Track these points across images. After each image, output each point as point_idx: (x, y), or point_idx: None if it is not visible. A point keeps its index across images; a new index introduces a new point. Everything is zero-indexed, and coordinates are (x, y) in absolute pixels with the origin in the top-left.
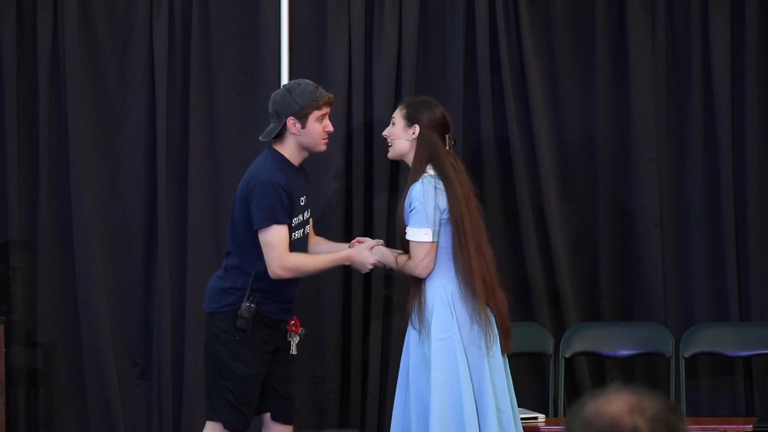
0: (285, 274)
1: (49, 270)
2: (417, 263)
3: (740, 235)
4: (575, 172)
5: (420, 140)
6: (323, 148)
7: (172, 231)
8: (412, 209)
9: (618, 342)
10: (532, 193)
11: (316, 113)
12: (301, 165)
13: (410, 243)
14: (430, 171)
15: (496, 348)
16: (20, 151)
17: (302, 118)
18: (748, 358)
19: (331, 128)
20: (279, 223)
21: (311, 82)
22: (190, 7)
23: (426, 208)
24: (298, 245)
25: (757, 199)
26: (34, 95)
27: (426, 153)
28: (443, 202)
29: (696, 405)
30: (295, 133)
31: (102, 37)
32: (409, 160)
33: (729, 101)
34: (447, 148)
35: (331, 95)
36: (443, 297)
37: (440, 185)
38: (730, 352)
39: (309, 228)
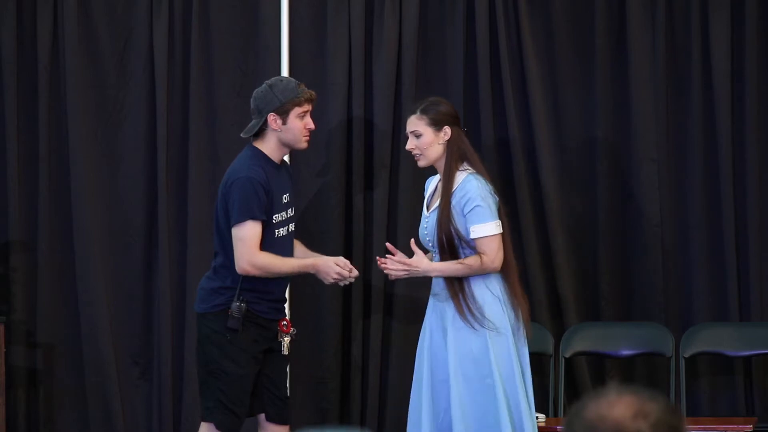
0: (252, 271)
1: (49, 270)
2: (494, 257)
3: (740, 235)
4: (575, 172)
5: (450, 140)
6: (304, 145)
7: (172, 231)
8: (476, 206)
9: (618, 342)
10: (532, 193)
11: (297, 110)
12: (284, 163)
13: (481, 240)
14: (466, 167)
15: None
16: (20, 151)
17: (283, 114)
18: (748, 358)
19: (312, 126)
20: (254, 218)
21: (294, 79)
22: (190, 7)
23: (488, 203)
24: (282, 243)
25: (757, 199)
26: (34, 95)
27: (457, 152)
28: (494, 193)
29: (696, 405)
30: (275, 129)
31: (102, 37)
32: (441, 162)
33: (729, 101)
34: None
35: (314, 93)
36: (494, 292)
37: (484, 179)
38: (730, 352)
39: (293, 226)
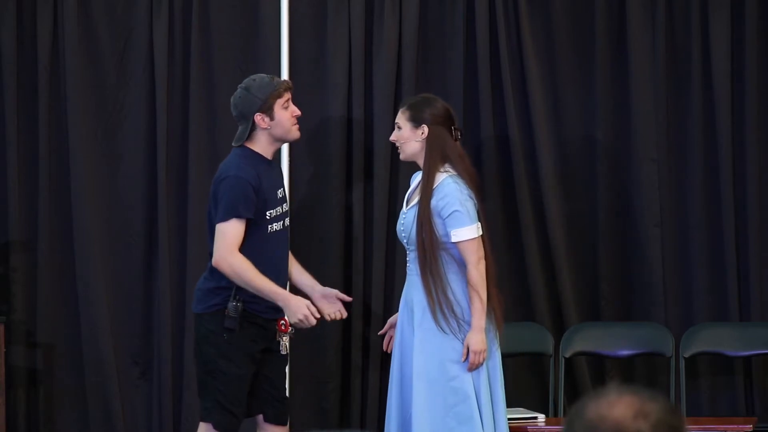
0: (225, 269)
1: (49, 270)
2: (477, 260)
3: (740, 235)
4: (575, 171)
5: (429, 139)
6: (296, 134)
7: (172, 231)
8: (454, 211)
9: (618, 342)
10: (532, 193)
11: (280, 101)
12: (276, 159)
13: (462, 244)
14: (448, 169)
15: (498, 343)
16: (20, 151)
17: (268, 111)
18: (748, 358)
19: (298, 112)
20: (239, 217)
21: (265, 75)
22: (190, 7)
23: (467, 206)
24: (276, 238)
25: (757, 198)
26: (34, 95)
27: (438, 152)
28: (473, 196)
29: (696, 405)
30: (266, 128)
31: (102, 37)
32: (421, 160)
33: (729, 101)
34: (455, 140)
35: (289, 81)
36: (467, 296)
37: (463, 182)
38: (730, 352)
39: (287, 221)
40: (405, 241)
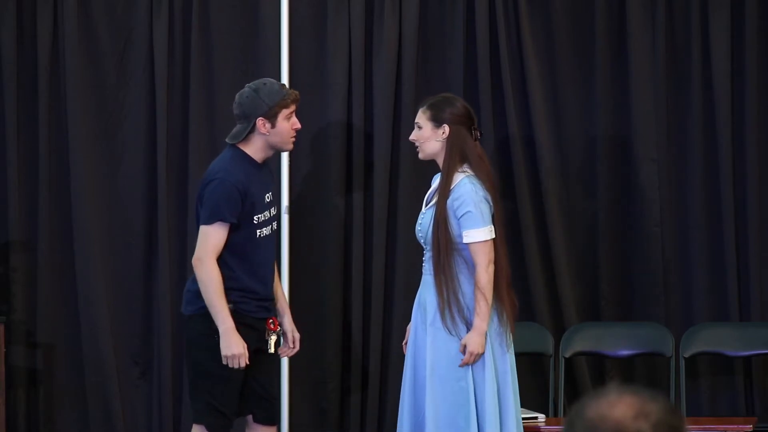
0: (197, 271)
1: (49, 270)
2: (488, 263)
3: (740, 235)
4: (575, 172)
5: (450, 139)
6: (290, 146)
7: (172, 231)
8: (467, 211)
9: (618, 342)
10: (532, 193)
11: (285, 112)
12: (266, 162)
13: (473, 245)
14: (466, 169)
15: (511, 344)
16: (20, 151)
17: (272, 118)
18: (748, 358)
19: (298, 125)
20: (223, 220)
21: (275, 80)
22: (190, 7)
23: (480, 209)
24: (265, 243)
25: (757, 198)
26: (34, 95)
27: (457, 152)
28: (489, 198)
29: (696, 405)
30: (264, 134)
31: (102, 37)
32: (441, 159)
33: (729, 101)
34: (474, 140)
35: (297, 93)
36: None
37: (480, 184)
38: (730, 352)
39: (275, 225)
40: (422, 241)
